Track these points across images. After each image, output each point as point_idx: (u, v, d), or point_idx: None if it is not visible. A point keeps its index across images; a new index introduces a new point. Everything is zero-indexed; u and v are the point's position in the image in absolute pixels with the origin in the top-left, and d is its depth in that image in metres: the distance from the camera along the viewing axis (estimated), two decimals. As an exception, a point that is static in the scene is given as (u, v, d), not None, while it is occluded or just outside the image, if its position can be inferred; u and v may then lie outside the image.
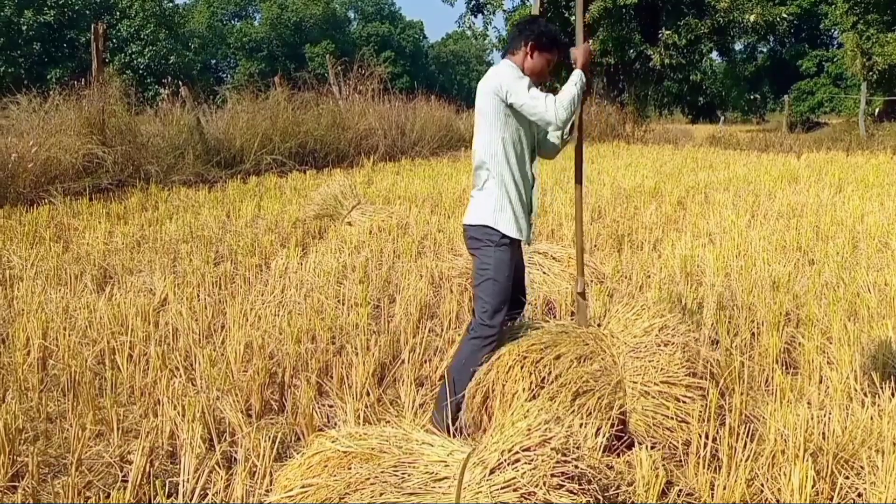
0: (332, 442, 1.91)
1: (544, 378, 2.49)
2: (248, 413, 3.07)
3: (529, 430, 1.75)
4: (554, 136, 3.08)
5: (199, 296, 4.49)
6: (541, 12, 3.14)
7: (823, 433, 2.40)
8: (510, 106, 2.81)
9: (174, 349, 3.64)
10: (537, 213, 3.30)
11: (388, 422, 3.05)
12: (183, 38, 45.21)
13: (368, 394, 3.23)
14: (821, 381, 3.04)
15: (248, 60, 55.77)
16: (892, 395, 2.87)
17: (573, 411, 2.39)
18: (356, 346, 3.54)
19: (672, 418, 2.48)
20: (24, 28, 35.07)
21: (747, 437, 2.42)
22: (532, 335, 2.76)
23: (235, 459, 2.58)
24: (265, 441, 2.40)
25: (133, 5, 37.83)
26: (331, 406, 3.15)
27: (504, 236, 2.83)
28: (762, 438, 2.52)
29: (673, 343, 2.62)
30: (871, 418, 2.53)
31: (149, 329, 3.89)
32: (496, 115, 2.84)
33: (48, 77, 31.15)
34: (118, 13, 37.87)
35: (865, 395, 2.87)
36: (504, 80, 2.81)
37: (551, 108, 2.73)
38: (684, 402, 2.48)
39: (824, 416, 2.60)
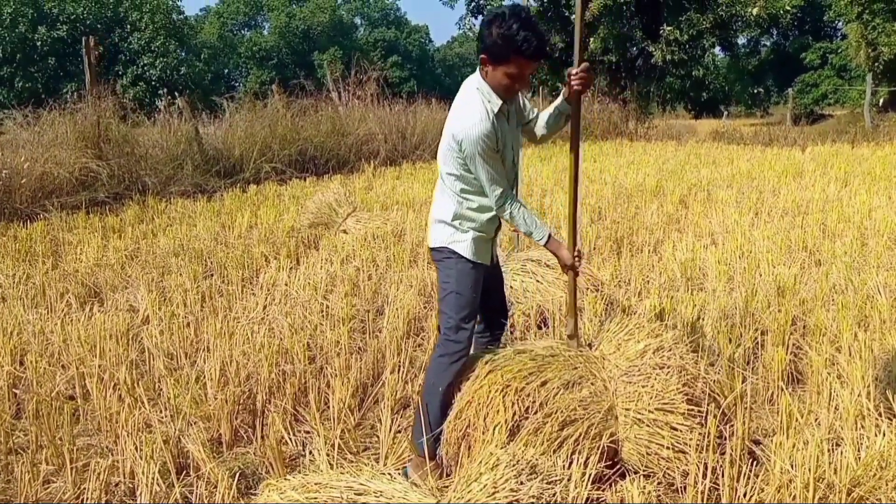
0: (280, 495, 1.72)
1: (528, 408, 2.28)
2: (219, 442, 2.89)
3: (496, 487, 1.54)
4: (542, 128, 2.77)
5: (180, 314, 4.31)
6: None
7: (834, 465, 2.17)
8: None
9: (146, 374, 3.47)
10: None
11: (367, 448, 2.87)
12: (194, 49, 45.46)
13: (349, 415, 3.05)
14: (830, 399, 2.82)
15: (259, 69, 56.00)
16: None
17: (559, 442, 2.19)
18: (335, 368, 3.36)
19: (668, 448, 2.27)
20: (39, 44, 35.76)
21: (750, 469, 2.21)
22: (518, 359, 2.52)
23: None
24: (223, 480, 2.21)
25: (143, 18, 38.11)
26: (307, 432, 2.96)
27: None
28: (767, 470, 2.31)
29: (669, 366, 2.39)
30: (889, 443, 2.30)
31: (123, 352, 3.72)
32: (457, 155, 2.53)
33: (64, 91, 31.56)
34: (129, 26, 38.27)
35: (880, 415, 2.64)
36: (460, 140, 2.48)
37: (504, 206, 2.51)
38: (681, 430, 2.27)
39: (834, 441, 2.38)
